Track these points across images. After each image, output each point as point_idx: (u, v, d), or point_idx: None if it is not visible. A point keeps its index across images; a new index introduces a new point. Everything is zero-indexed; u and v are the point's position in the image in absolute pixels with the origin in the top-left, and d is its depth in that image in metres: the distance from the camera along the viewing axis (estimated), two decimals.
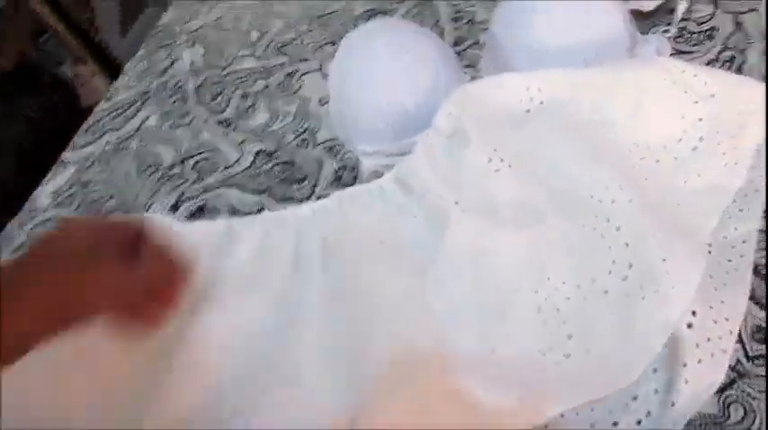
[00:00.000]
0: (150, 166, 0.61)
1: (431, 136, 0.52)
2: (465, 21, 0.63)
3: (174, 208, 0.57)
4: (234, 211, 0.56)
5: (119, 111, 0.67)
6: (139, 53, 0.74)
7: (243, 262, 0.48)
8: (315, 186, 0.56)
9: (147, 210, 0.57)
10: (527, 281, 0.44)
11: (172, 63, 0.69)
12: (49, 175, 0.64)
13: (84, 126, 0.68)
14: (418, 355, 0.40)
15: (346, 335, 0.43)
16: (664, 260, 0.41)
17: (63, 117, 1.07)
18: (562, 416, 0.39)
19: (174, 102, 0.65)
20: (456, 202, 0.47)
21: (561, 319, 0.42)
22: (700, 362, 0.39)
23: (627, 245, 0.43)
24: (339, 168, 0.57)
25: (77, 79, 1.34)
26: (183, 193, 0.58)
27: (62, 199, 0.62)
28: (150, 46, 0.73)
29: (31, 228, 0.60)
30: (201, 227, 0.51)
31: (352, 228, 0.50)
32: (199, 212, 0.56)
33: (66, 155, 0.66)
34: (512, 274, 0.44)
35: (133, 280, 0.35)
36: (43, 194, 0.62)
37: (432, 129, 0.50)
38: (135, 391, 0.41)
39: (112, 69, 1.26)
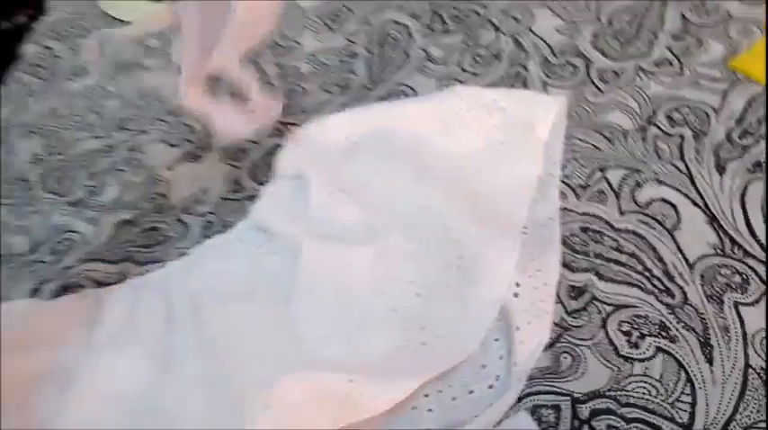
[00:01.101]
0: (2, 257, 0.60)
1: (275, 182, 0.58)
2: None
3: (35, 291, 0.57)
4: (99, 284, 0.57)
5: None
6: None
7: (115, 322, 0.50)
8: (179, 247, 0.58)
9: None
10: (379, 284, 0.50)
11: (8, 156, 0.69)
12: None
13: None
14: (288, 368, 0.44)
15: (221, 371, 0.46)
16: (486, 247, 0.48)
17: None
18: (426, 396, 0.44)
19: (18, 193, 0.65)
20: (305, 232, 0.52)
21: (415, 313, 0.48)
22: (529, 324, 0.46)
23: (457, 241, 0.50)
24: (207, 224, 0.59)
25: None
26: (42, 277, 0.58)
27: None
28: None
29: None
30: (67, 300, 0.53)
31: (217, 275, 0.53)
32: (62, 292, 0.57)
33: None
34: (365, 282, 0.50)
35: None
36: None
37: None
38: None
39: None
